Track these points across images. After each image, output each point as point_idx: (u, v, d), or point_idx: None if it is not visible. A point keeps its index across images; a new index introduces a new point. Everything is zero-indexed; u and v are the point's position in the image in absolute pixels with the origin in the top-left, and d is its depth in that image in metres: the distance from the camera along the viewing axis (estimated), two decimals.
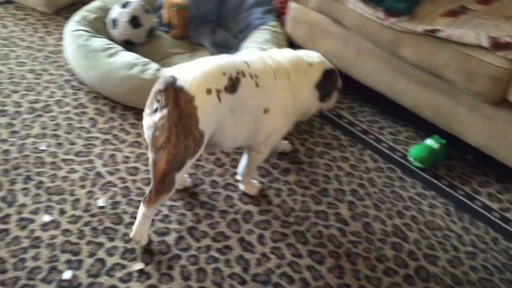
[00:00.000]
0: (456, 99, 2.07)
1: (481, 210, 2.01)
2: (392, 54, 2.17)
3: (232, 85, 1.56)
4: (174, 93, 1.46)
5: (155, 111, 1.48)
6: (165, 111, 1.46)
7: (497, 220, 1.97)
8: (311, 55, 1.83)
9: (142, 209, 1.61)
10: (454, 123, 2.13)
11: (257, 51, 1.84)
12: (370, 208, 1.94)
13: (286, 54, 1.78)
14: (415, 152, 2.15)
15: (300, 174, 2.05)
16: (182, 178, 1.86)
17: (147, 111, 1.53)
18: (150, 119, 1.50)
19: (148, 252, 1.66)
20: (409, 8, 2.02)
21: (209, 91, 1.50)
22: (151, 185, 1.56)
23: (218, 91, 1.52)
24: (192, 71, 1.52)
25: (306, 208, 1.91)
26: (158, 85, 1.50)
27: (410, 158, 2.16)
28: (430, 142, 2.17)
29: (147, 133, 1.53)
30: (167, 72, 1.59)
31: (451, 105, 2.09)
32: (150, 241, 1.68)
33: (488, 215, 1.99)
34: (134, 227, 1.65)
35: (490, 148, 2.06)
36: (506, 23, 2.00)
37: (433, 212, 1.97)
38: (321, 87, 1.80)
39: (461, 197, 2.05)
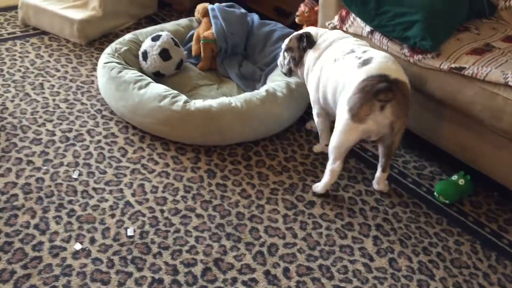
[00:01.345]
0: (482, 136, 2.07)
1: (508, 249, 1.99)
2: (417, 90, 2.20)
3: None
4: (397, 86, 1.82)
5: (382, 108, 1.81)
6: (394, 103, 1.82)
7: None
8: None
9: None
10: (479, 159, 2.13)
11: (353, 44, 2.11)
12: (396, 244, 1.94)
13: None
14: (440, 187, 2.15)
15: (325, 207, 2.07)
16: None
17: (373, 113, 1.82)
18: (382, 116, 1.83)
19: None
20: (434, 46, 2.05)
21: (405, 73, 1.93)
22: (384, 160, 2.09)
23: (405, 71, 1.95)
24: (389, 66, 1.88)
25: (331, 242, 1.92)
26: (375, 88, 1.79)
27: (436, 194, 2.16)
28: (455, 177, 2.17)
29: (372, 129, 1.88)
30: (370, 75, 1.84)
31: (476, 141, 2.10)
32: None
33: None
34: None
35: None
36: None
37: (459, 249, 1.96)
38: None
39: (487, 235, 2.04)
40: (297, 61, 2.22)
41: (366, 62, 1.88)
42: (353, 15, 2.32)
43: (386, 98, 1.79)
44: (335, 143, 1.96)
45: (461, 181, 2.15)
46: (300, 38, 2.19)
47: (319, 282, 1.76)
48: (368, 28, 2.27)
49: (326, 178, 2.08)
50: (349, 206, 2.09)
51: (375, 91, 1.78)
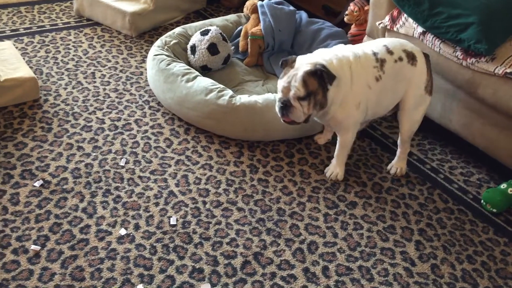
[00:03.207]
0: None
1: None
2: (468, 94, 2.14)
3: None
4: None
5: None
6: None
7: None
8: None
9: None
10: None
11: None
12: (439, 250, 1.90)
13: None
14: (488, 195, 2.09)
15: (367, 208, 2.05)
16: None
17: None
18: None
19: None
20: (489, 49, 1.99)
21: None
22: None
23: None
24: (414, 45, 2.10)
25: (372, 243, 1.90)
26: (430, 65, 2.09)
27: (483, 202, 2.10)
28: (504, 186, 2.10)
29: None
30: (426, 62, 2.08)
31: None
32: None
33: None
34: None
35: None
36: None
37: (505, 259, 1.90)
38: None
39: None
40: (324, 103, 1.90)
41: (413, 58, 2.03)
42: (405, 15, 2.28)
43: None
44: (417, 128, 2.18)
45: (510, 190, 2.08)
46: (317, 75, 1.83)
47: (358, 283, 1.74)
48: (420, 29, 2.23)
49: (406, 159, 2.26)
50: (391, 209, 2.06)
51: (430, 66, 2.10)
